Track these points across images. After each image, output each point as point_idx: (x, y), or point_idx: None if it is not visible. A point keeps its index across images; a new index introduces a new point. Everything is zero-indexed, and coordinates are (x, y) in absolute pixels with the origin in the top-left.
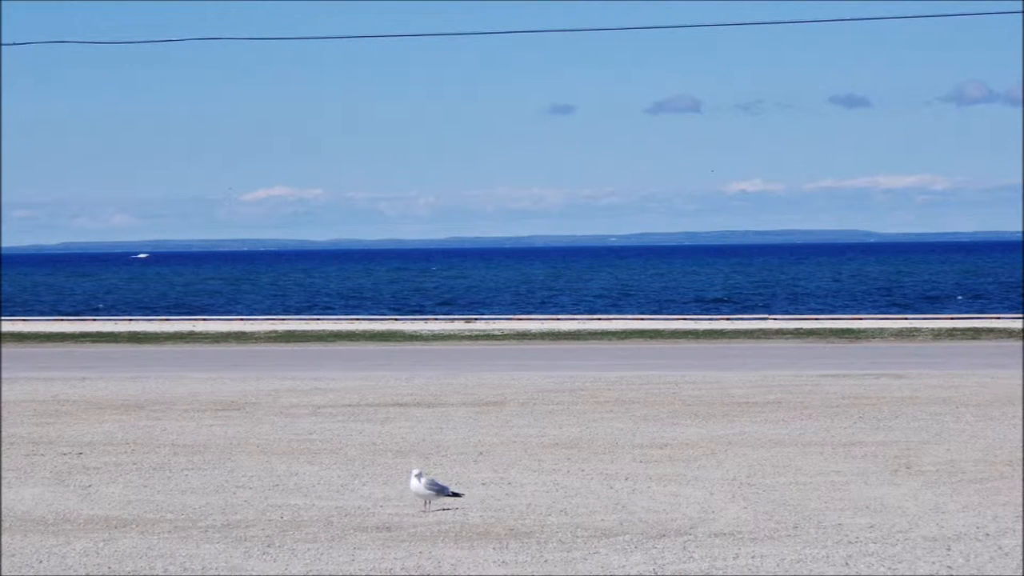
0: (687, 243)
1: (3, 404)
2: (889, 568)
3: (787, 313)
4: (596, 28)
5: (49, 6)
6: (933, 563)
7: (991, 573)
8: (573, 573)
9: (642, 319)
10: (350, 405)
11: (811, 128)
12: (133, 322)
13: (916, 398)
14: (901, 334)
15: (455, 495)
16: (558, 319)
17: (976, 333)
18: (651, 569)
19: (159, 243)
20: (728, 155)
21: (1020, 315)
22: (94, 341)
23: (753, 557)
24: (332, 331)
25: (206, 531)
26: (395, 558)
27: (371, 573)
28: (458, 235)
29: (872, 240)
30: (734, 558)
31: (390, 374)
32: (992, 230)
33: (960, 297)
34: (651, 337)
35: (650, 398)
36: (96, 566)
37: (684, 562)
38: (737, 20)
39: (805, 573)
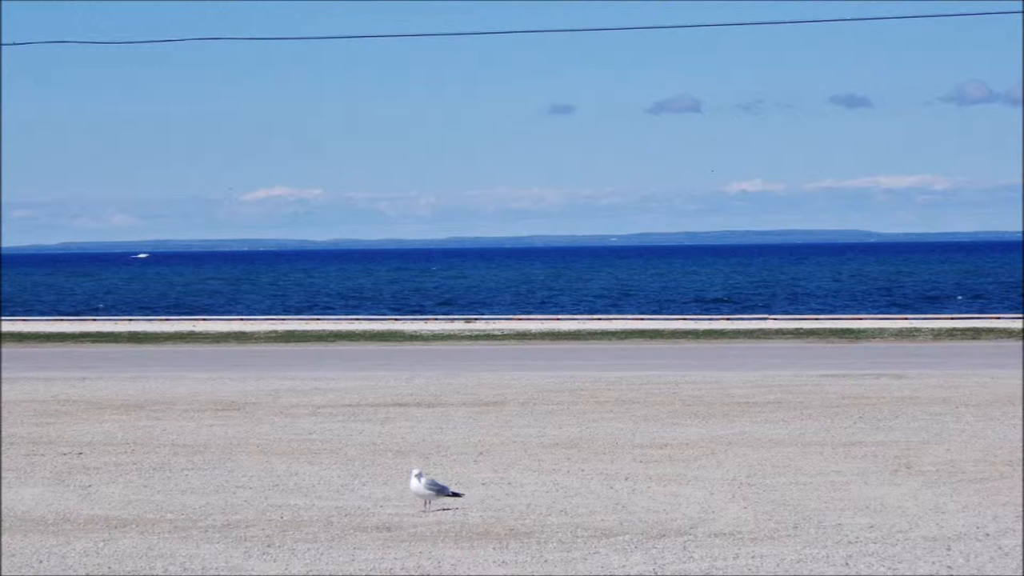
0: (687, 243)
1: (3, 404)
2: (889, 568)
3: (787, 313)
4: (596, 28)
5: (49, 6)
6: (933, 563)
7: (991, 573)
8: (573, 573)
9: (642, 319)
10: (350, 405)
11: (811, 128)
12: (133, 322)
13: (916, 398)
14: (901, 334)
15: (455, 495)
16: (558, 319)
17: (976, 333)
18: (651, 569)
19: (159, 243)
20: (728, 155)
21: (1020, 315)
22: (94, 341)
23: (753, 557)
24: (332, 331)
25: (206, 531)
26: (395, 558)
27: (371, 573)
28: (458, 235)
29: (872, 240)
30: (734, 558)
31: (390, 374)
32: (992, 230)
33: (960, 297)
34: (651, 337)
35: (650, 398)
36: (96, 566)
37: (684, 562)
38: (737, 20)
39: (805, 573)
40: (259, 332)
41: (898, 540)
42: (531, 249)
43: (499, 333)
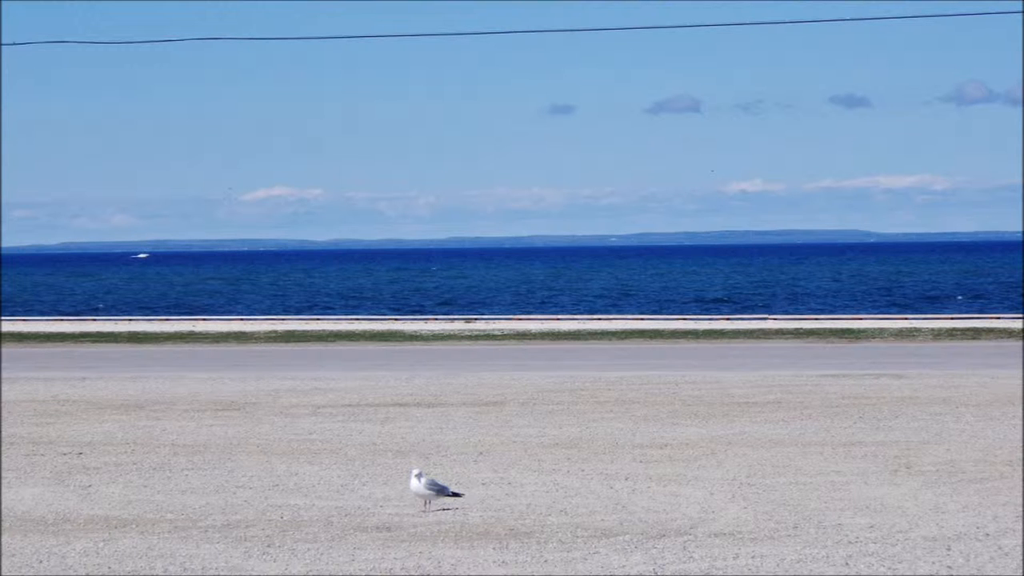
0: (687, 243)
1: (3, 404)
2: (889, 568)
3: (787, 313)
4: (596, 28)
5: (49, 6)
6: (933, 563)
7: (991, 573)
8: (573, 573)
9: (642, 319)
10: (350, 405)
11: (811, 128)
12: (133, 322)
13: (916, 398)
14: (901, 334)
15: (455, 495)
16: (558, 319)
17: (976, 333)
18: (651, 569)
19: (159, 243)
20: (728, 155)
21: (1020, 315)
22: (94, 341)
23: (753, 557)
24: (332, 331)
25: (206, 531)
26: (395, 558)
27: (371, 573)
28: (458, 235)
29: (872, 240)
30: (734, 558)
31: (390, 374)
32: (992, 230)
33: (960, 297)
34: (651, 337)
35: (650, 398)
36: (96, 566)
37: (684, 562)
38: (737, 20)
39: (805, 573)
40: (259, 332)
41: (898, 540)
42: (531, 249)
43: (499, 333)
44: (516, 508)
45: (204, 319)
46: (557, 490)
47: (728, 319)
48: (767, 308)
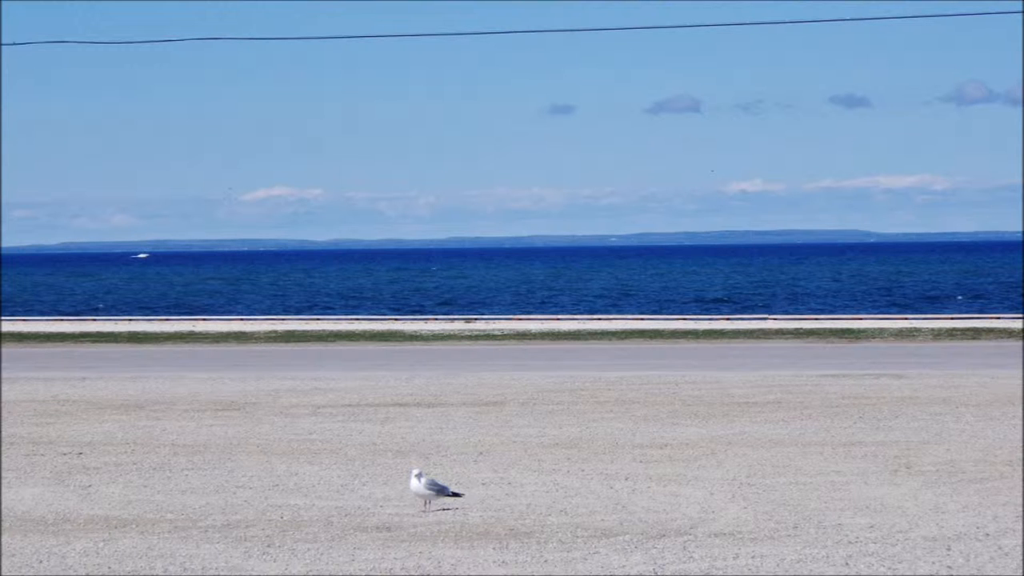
0: (687, 243)
1: (3, 404)
2: (889, 568)
3: (787, 313)
4: (596, 28)
5: (49, 6)
6: (933, 563)
7: (991, 573)
8: (573, 573)
9: (642, 319)
10: (350, 405)
11: (811, 128)
12: (133, 322)
13: (916, 398)
14: (901, 334)
15: (455, 495)
16: (558, 319)
17: (976, 333)
18: (651, 569)
19: (159, 243)
20: (728, 155)
21: (1020, 315)
22: (94, 341)
23: (753, 557)
24: (332, 331)
25: (206, 531)
26: (395, 558)
27: (371, 573)
28: (458, 235)
29: (872, 240)
30: (734, 558)
31: (390, 374)
32: (992, 230)
33: (960, 297)
34: (651, 337)
35: (650, 398)
36: (96, 566)
37: (684, 562)
38: (737, 20)
39: (805, 573)
40: (259, 332)
41: (898, 540)
42: (531, 249)
43: (499, 333)
44: (516, 508)
45: (204, 319)
46: (557, 490)
47: (728, 319)
48: (767, 308)
